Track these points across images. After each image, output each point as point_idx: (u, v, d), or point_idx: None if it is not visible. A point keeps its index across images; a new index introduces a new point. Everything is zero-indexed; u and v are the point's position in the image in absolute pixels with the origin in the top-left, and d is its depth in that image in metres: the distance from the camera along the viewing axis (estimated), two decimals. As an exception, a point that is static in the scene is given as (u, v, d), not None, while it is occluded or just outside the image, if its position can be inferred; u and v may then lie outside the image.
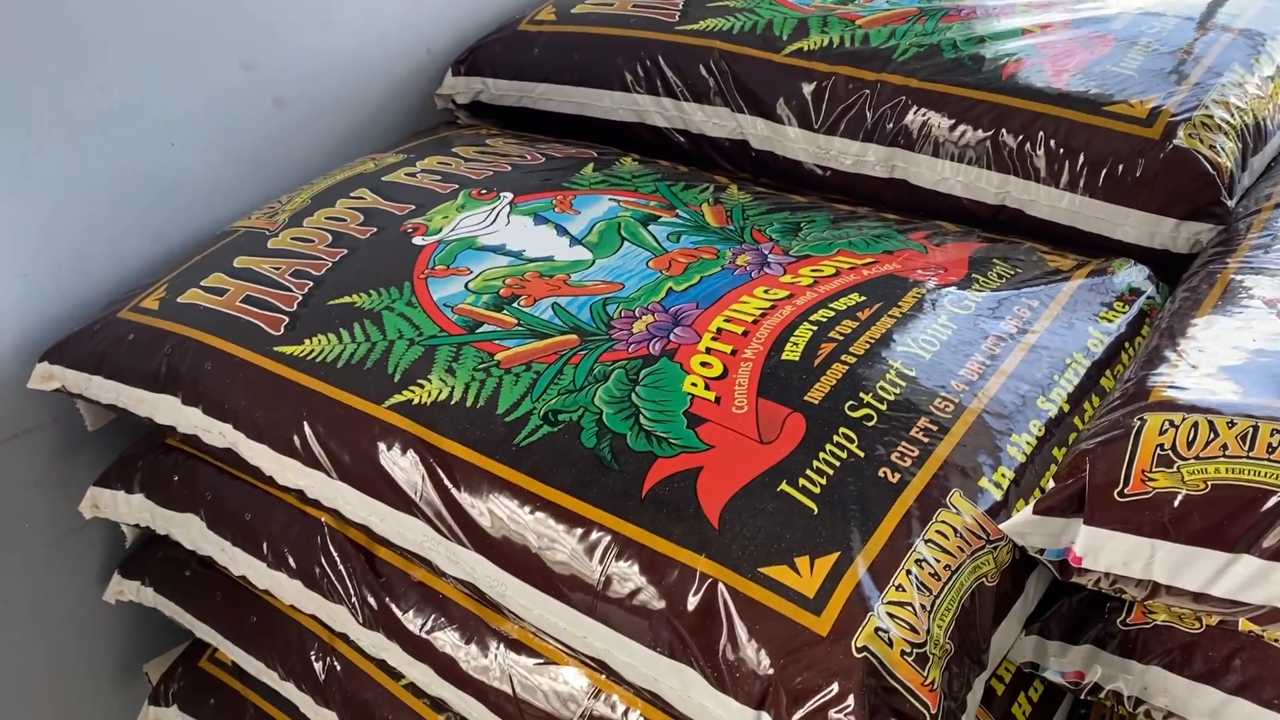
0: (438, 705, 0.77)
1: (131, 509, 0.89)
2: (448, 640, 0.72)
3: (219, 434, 0.78)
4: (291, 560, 0.79)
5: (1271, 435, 0.55)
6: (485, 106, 1.14)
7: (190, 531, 0.86)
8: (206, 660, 0.98)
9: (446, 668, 0.72)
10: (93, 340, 0.85)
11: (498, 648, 0.70)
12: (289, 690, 0.86)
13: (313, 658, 0.84)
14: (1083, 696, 0.65)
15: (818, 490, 0.61)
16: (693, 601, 0.58)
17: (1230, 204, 0.80)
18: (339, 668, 0.83)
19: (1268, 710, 0.59)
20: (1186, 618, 0.61)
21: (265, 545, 0.80)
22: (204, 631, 0.92)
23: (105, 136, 0.89)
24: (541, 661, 0.69)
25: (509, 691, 0.70)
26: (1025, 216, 0.86)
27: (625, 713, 0.65)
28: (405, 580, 0.74)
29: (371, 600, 0.75)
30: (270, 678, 0.87)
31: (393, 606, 0.74)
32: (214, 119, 0.97)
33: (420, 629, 0.73)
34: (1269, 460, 0.54)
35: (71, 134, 0.86)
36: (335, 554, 0.77)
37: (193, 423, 0.79)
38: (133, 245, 0.94)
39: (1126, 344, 0.74)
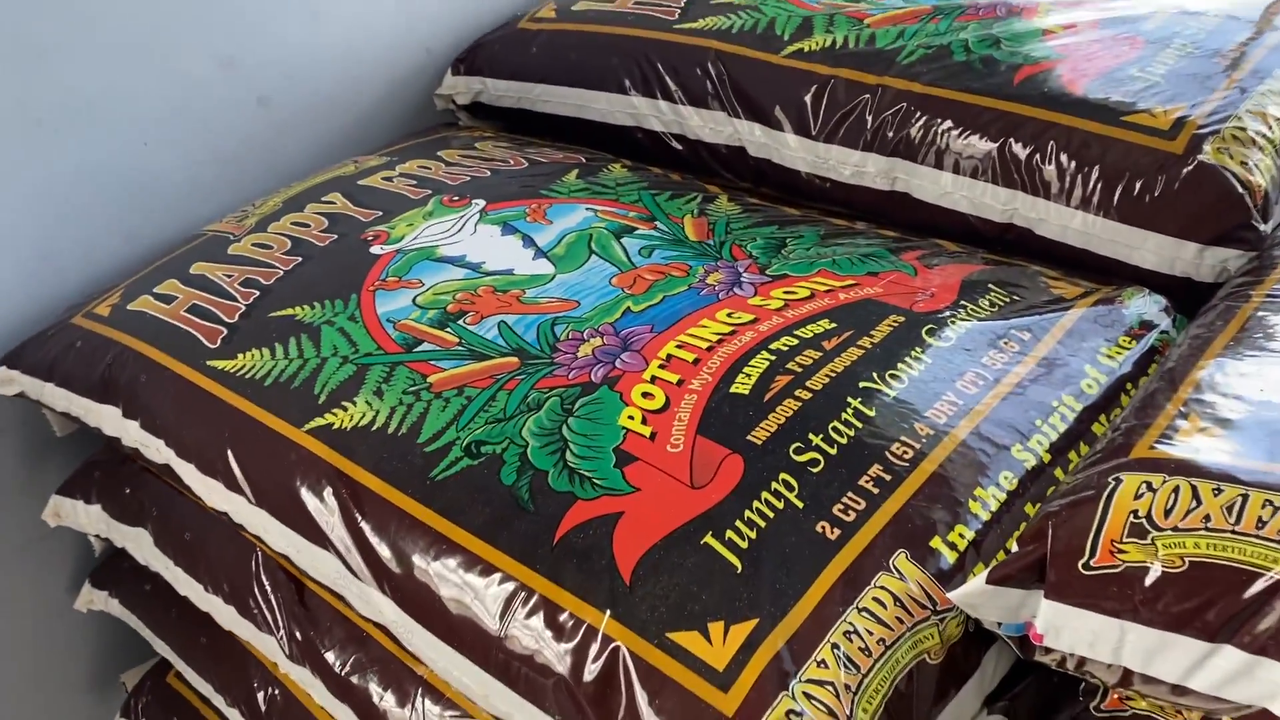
0: (369, 746, 0.72)
1: (90, 519, 0.87)
2: (367, 682, 0.67)
3: (155, 449, 0.74)
4: (226, 585, 0.75)
5: (1263, 508, 0.47)
6: (487, 107, 1.09)
7: (140, 546, 0.83)
8: (173, 676, 0.95)
9: (366, 711, 0.67)
10: (45, 346, 0.82)
11: (416, 693, 0.65)
12: (235, 716, 0.82)
13: (255, 685, 0.80)
14: (1054, 785, 0.58)
15: (745, 545, 0.54)
16: (593, 668, 0.52)
17: (1263, 228, 0.71)
18: (279, 697, 0.78)
19: (1255, 824, 0.51)
20: (1167, 710, 0.53)
21: (203, 568, 0.76)
22: (161, 647, 0.89)
23: (71, 135, 0.86)
24: (458, 715, 0.63)
25: (426, 742, 0.64)
26: (1034, 236, 0.78)
27: (538, 776, 0.60)
28: (331, 614, 0.69)
29: (298, 633, 0.70)
30: (219, 701, 0.84)
31: (318, 642, 0.70)
32: (191, 118, 0.93)
33: (342, 668, 0.68)
34: (1257, 537, 0.46)
35: (34, 132, 0.83)
36: (267, 582, 0.72)
37: (133, 436, 0.76)
38: (103, 246, 0.91)
39: (1129, 384, 0.65)
